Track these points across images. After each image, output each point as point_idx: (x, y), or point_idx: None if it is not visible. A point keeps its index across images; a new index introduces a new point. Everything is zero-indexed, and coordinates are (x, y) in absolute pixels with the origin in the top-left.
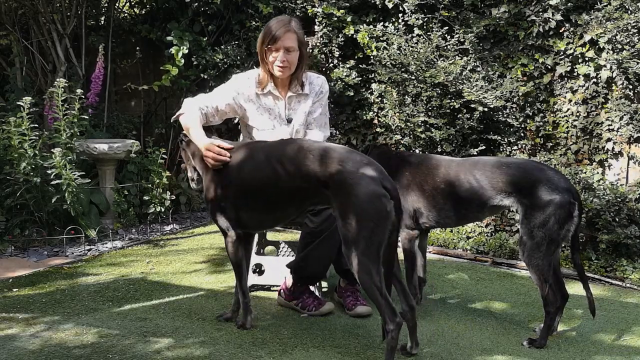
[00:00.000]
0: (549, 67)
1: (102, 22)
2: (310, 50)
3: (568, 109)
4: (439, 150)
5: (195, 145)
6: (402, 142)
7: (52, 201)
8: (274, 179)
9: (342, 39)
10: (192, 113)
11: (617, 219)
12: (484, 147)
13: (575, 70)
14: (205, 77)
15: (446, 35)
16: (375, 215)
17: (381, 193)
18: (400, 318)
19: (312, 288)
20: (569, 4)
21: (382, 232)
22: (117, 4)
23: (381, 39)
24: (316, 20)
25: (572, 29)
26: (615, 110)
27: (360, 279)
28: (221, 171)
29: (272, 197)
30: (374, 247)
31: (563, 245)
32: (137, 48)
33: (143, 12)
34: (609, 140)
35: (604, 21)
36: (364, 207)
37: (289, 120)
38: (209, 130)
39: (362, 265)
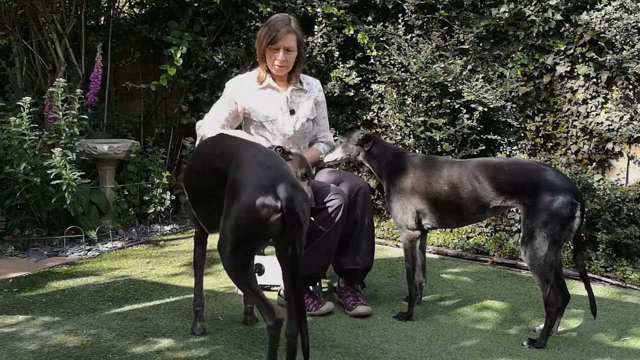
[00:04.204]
0: (549, 67)
1: (102, 22)
2: (310, 50)
3: (568, 109)
4: (439, 150)
5: None
6: (402, 142)
7: (52, 201)
8: (200, 178)
9: (342, 39)
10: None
11: (617, 219)
12: (484, 147)
13: (575, 70)
14: (205, 77)
15: (446, 35)
16: (248, 226)
17: (264, 204)
18: (281, 316)
19: (312, 288)
20: (569, 4)
21: (253, 242)
22: (116, 4)
23: (381, 39)
24: (316, 20)
25: (572, 29)
26: (615, 110)
27: (232, 280)
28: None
29: (206, 197)
30: (242, 253)
31: (564, 245)
32: (137, 48)
33: (143, 12)
34: (609, 140)
35: (604, 21)
36: (240, 215)
37: (292, 112)
38: None
39: (229, 269)
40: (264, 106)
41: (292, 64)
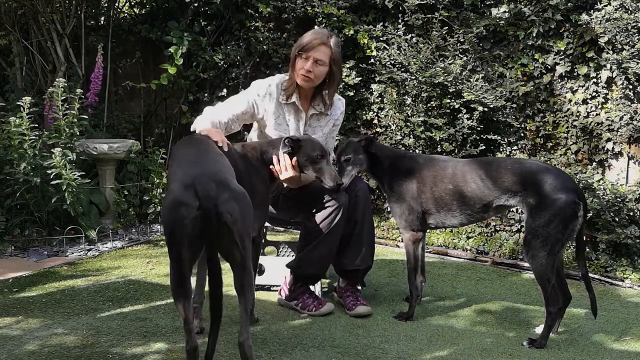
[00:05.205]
0: (549, 67)
1: (102, 22)
2: None
3: (568, 109)
4: (439, 150)
5: None
6: (402, 142)
7: (52, 201)
8: None
9: (342, 39)
10: (204, 119)
11: (617, 219)
12: (484, 147)
13: (575, 70)
14: (205, 77)
15: (446, 35)
16: (168, 225)
17: (181, 202)
18: (196, 343)
19: (312, 288)
20: (569, 4)
21: (178, 243)
22: (117, 4)
23: (381, 39)
24: (316, 20)
25: (572, 29)
26: (615, 110)
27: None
28: None
29: None
30: (173, 256)
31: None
32: (137, 48)
33: (143, 12)
34: (609, 140)
35: (604, 21)
36: (164, 213)
37: None
38: None
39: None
40: (280, 125)
41: (318, 79)
